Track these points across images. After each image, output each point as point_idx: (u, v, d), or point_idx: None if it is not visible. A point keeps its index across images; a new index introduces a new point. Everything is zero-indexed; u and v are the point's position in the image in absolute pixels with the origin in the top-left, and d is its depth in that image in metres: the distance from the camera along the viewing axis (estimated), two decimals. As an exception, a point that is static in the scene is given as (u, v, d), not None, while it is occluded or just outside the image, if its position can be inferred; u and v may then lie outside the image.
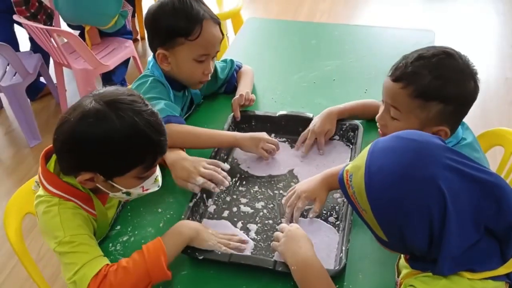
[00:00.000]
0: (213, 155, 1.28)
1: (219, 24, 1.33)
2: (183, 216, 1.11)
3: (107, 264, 0.99)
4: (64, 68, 2.78)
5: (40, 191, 1.05)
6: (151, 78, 1.34)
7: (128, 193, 1.05)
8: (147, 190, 1.06)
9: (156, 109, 1.02)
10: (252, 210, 1.18)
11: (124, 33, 2.86)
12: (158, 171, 1.08)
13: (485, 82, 2.84)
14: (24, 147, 2.73)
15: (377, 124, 1.15)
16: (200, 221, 1.15)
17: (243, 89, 1.48)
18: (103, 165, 0.98)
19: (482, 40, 3.38)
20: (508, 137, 1.32)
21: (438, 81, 1.02)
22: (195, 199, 1.15)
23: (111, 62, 2.60)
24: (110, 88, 1.02)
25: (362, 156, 0.82)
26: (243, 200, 1.22)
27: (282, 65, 1.80)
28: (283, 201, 1.12)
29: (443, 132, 1.07)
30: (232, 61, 1.57)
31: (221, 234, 1.09)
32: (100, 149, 0.96)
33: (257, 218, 1.17)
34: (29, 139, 2.71)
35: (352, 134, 1.36)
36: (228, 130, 1.37)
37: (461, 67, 1.03)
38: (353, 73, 1.70)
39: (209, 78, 1.38)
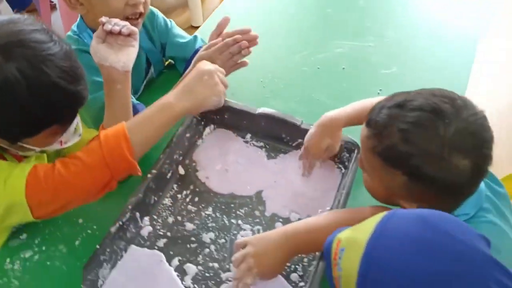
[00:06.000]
0: (162, 158, 0.99)
1: None
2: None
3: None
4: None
5: None
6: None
7: (43, 151, 0.86)
8: (66, 143, 0.85)
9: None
10: (196, 244, 0.92)
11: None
12: (77, 118, 0.83)
13: None
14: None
15: None
16: (124, 249, 0.89)
17: None
18: (3, 130, 0.76)
19: None
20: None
21: (405, 147, 0.69)
22: (125, 218, 0.88)
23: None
24: (2, 19, 0.73)
25: (366, 229, 0.57)
26: (189, 226, 0.94)
27: (282, 36, 1.43)
28: (232, 258, 0.83)
29: None
30: (196, 36, 1.26)
31: None
32: None
33: (200, 256, 0.90)
34: None
35: (347, 155, 1.05)
36: (192, 121, 1.08)
37: (447, 138, 0.67)
38: (369, 63, 1.34)
39: (140, 10, 1.05)
